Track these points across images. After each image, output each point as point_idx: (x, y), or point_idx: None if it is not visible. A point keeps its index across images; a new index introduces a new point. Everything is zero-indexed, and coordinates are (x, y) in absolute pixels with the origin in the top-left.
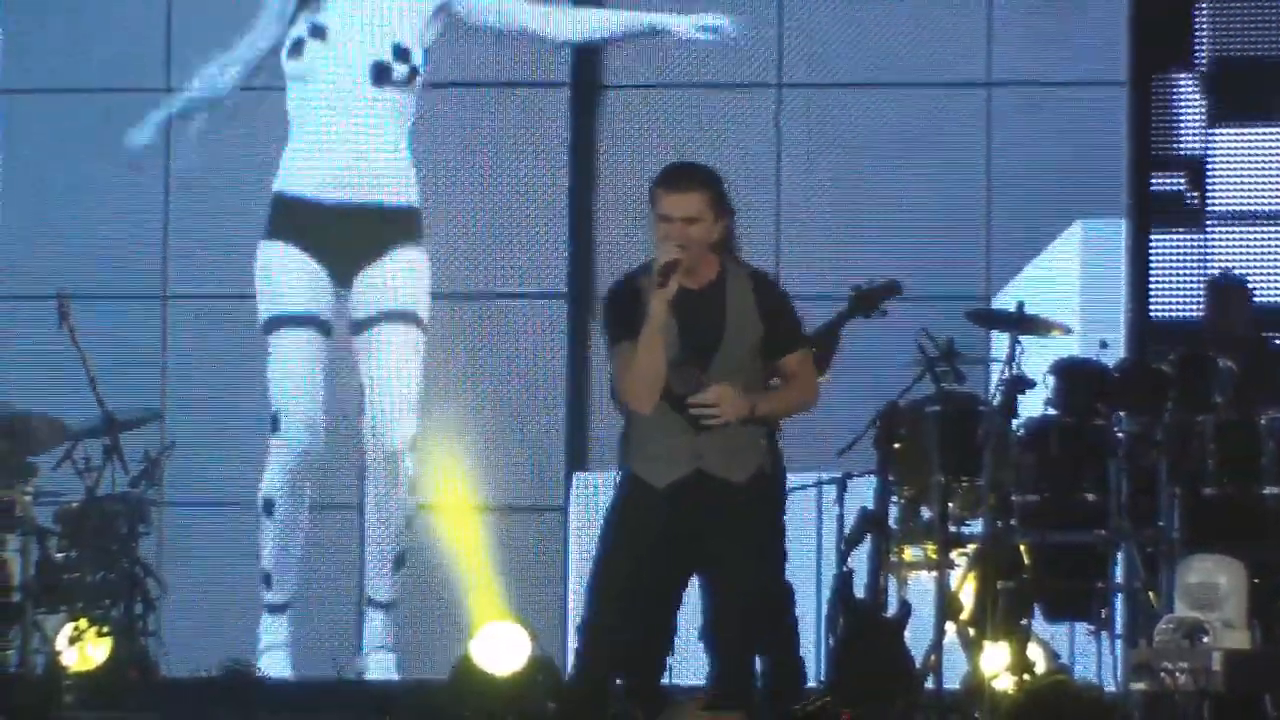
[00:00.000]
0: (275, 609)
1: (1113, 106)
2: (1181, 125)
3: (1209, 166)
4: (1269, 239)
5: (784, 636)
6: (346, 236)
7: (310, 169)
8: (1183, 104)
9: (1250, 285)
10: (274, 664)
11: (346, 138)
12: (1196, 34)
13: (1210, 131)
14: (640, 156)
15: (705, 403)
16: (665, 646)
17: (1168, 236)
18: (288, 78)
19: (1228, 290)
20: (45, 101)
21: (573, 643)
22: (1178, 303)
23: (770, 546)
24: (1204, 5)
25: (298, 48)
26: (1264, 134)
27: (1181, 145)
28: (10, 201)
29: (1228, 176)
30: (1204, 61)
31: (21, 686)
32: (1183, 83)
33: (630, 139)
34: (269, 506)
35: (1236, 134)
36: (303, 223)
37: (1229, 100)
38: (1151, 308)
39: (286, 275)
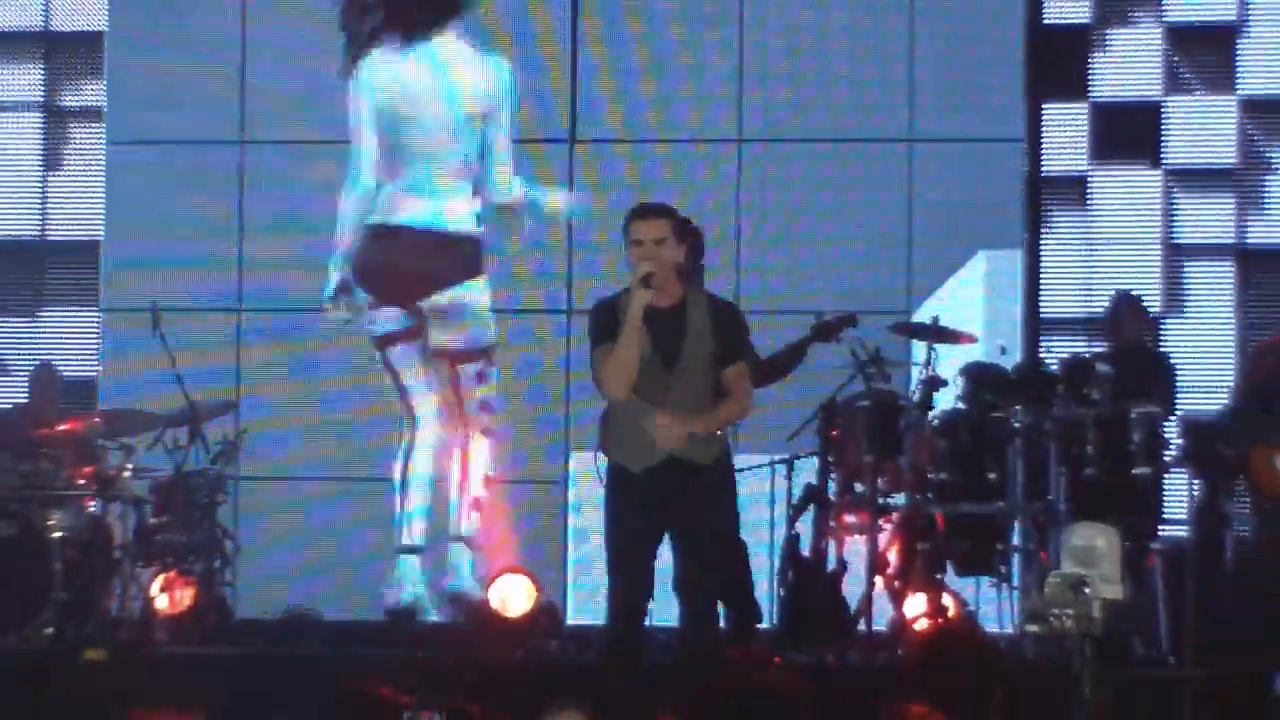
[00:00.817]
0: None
1: (1010, 154)
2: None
3: (1089, 198)
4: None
5: (741, 588)
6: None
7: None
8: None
9: (1143, 300)
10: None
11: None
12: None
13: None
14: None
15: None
16: (647, 598)
17: (1053, 261)
18: None
19: (1123, 306)
20: (142, 148)
21: (573, 592)
22: (1063, 317)
23: (728, 517)
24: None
25: None
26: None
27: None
28: (113, 231)
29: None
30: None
31: (122, 627)
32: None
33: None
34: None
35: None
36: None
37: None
38: (1043, 323)
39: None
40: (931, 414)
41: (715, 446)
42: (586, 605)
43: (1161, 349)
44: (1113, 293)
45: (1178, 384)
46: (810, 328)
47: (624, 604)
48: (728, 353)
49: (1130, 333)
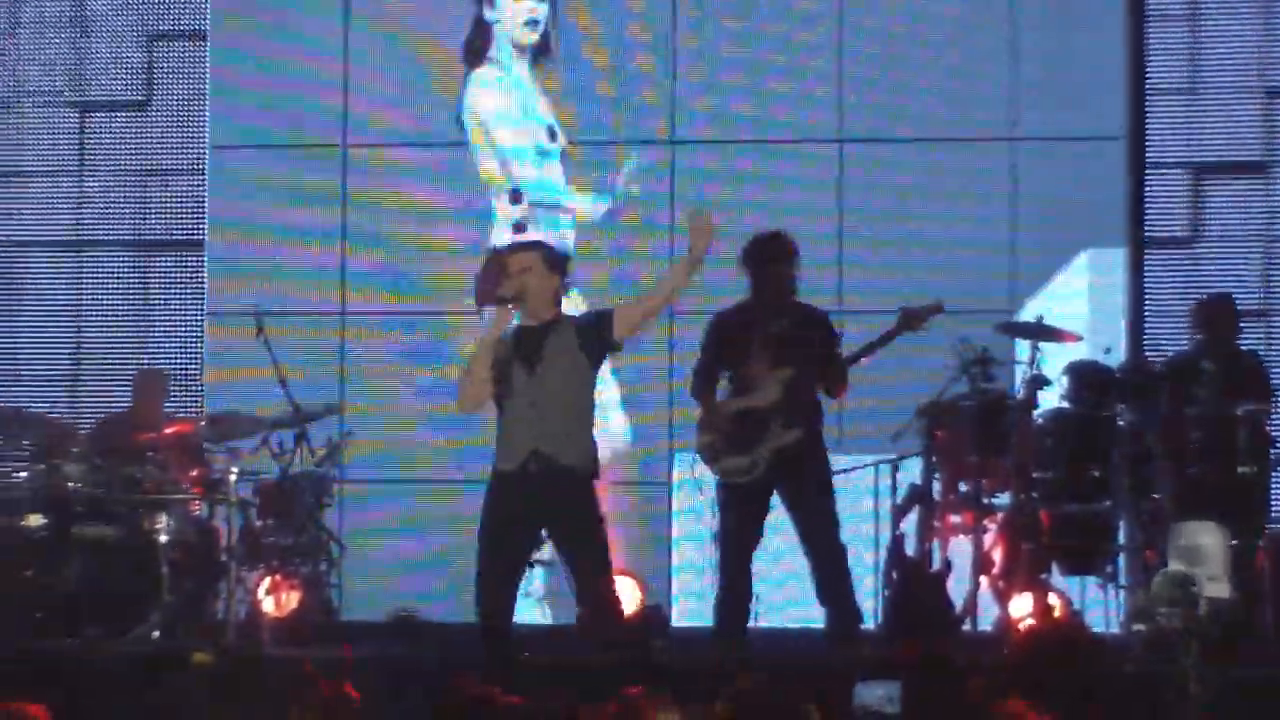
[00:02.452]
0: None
1: (1114, 151)
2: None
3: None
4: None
5: (840, 589)
6: None
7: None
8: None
9: (1235, 302)
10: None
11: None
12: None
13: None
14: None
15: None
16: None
17: (1159, 259)
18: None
19: (1215, 307)
20: (246, 153)
21: (678, 595)
22: (1169, 316)
23: (594, 522)
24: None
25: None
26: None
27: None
28: (219, 239)
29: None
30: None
31: (229, 630)
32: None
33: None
34: None
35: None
36: None
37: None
38: (1146, 320)
39: None
40: (1036, 413)
41: (581, 452)
42: (692, 607)
43: (1249, 348)
44: (1206, 295)
45: (1271, 382)
46: (897, 317)
47: (486, 604)
48: (598, 333)
49: (1224, 332)
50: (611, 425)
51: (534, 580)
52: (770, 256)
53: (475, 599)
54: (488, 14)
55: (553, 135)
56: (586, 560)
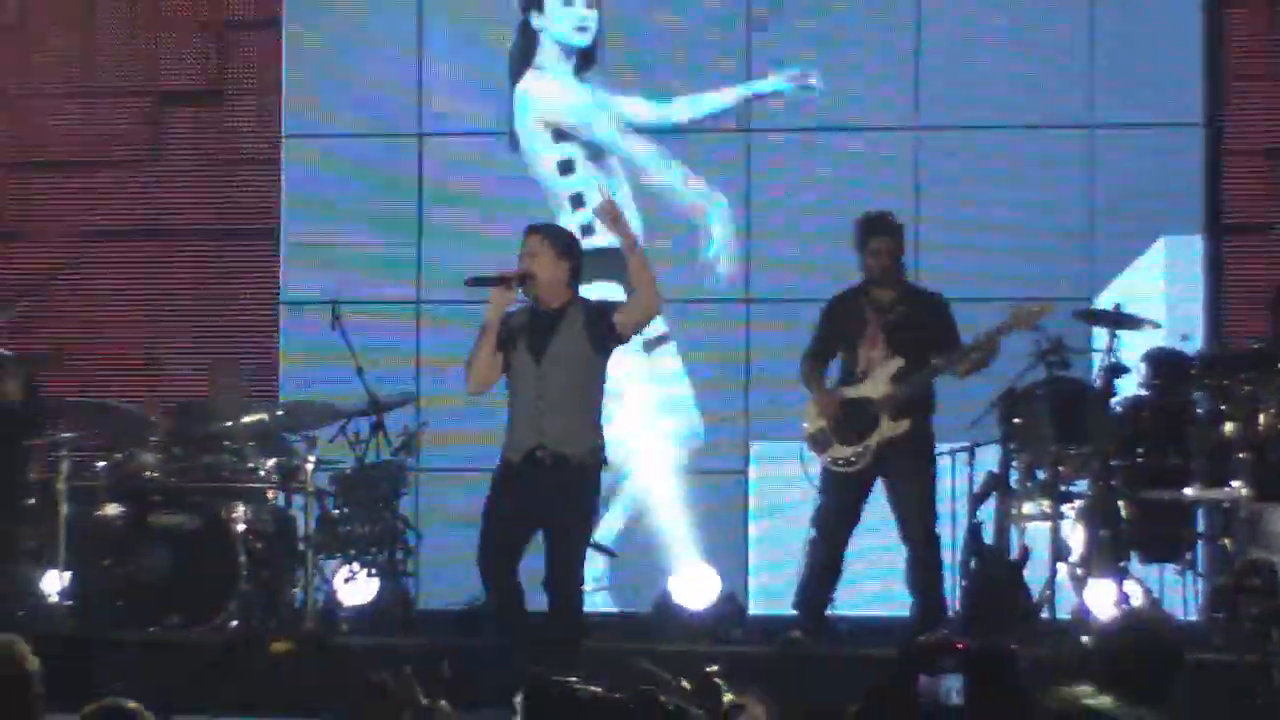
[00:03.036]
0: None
1: (1191, 138)
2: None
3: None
4: None
5: (928, 578)
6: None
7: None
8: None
9: None
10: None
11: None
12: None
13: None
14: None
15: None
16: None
17: (1237, 246)
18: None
19: None
20: (320, 142)
21: (755, 582)
22: (1246, 302)
23: (586, 513)
24: None
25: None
26: None
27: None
28: (294, 228)
29: None
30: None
31: (307, 618)
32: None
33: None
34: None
35: None
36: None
37: None
38: (1224, 306)
39: None
40: (1114, 400)
41: (584, 444)
42: (768, 595)
43: None
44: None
45: None
46: (1008, 314)
47: (487, 578)
48: (605, 328)
49: None
50: (684, 424)
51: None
52: (870, 232)
53: (482, 586)
54: (535, 21)
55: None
56: (563, 552)
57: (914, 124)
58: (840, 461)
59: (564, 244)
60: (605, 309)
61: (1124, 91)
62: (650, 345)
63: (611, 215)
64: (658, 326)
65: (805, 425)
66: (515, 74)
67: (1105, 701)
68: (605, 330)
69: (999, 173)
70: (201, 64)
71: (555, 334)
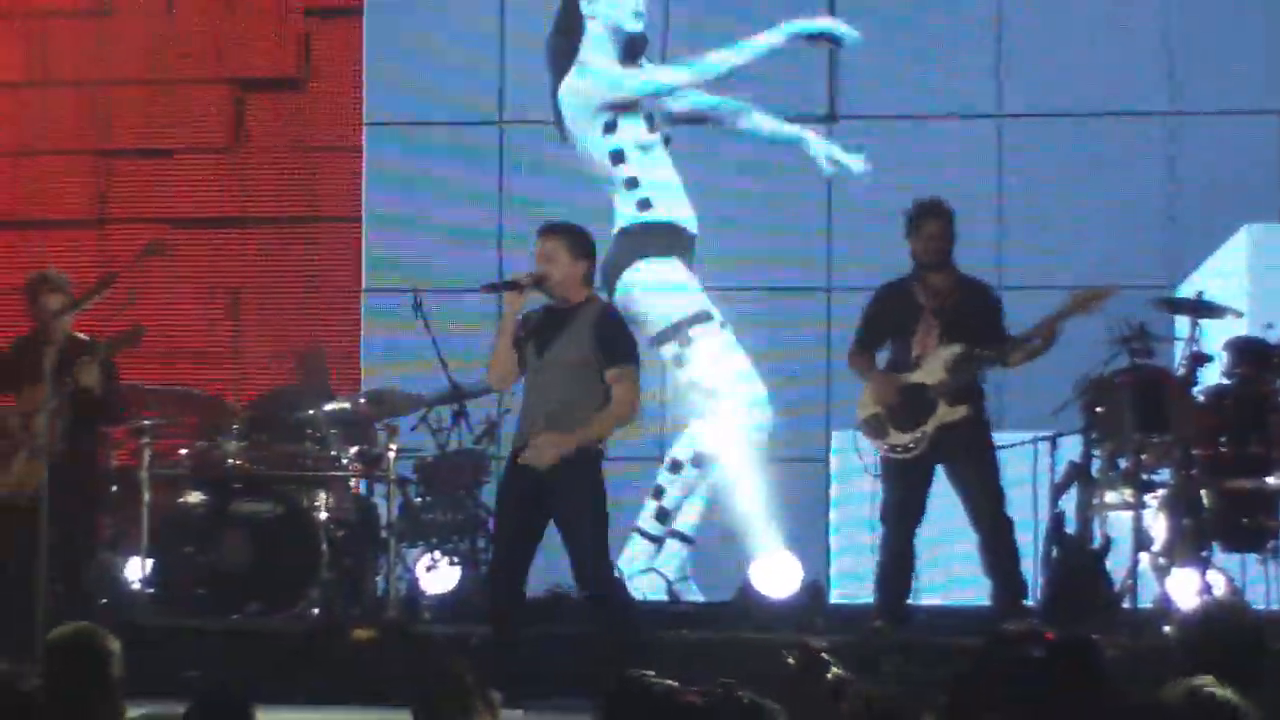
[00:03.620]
0: (655, 539)
1: (1274, 126)
2: None
3: None
4: None
5: (1006, 565)
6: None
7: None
8: None
9: None
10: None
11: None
12: None
13: None
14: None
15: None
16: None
17: None
18: None
19: None
20: (399, 129)
21: (836, 571)
22: None
23: (594, 504)
24: None
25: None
26: None
27: None
28: (376, 215)
29: None
30: None
31: (389, 606)
32: None
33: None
34: (698, 460)
35: None
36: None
37: None
38: None
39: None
40: (1197, 389)
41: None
42: (850, 583)
43: None
44: None
45: None
46: (1069, 298)
47: (494, 571)
48: (607, 358)
49: None
50: (758, 419)
51: (670, 559)
52: (922, 216)
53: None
54: (586, 7)
55: (651, 124)
56: (581, 541)
57: (996, 111)
58: (898, 448)
59: (580, 244)
60: (616, 334)
61: (1206, 79)
62: (685, 327)
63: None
64: (694, 304)
65: (860, 411)
66: (556, 65)
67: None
68: (606, 355)
69: (1081, 160)
70: (283, 51)
71: (562, 332)
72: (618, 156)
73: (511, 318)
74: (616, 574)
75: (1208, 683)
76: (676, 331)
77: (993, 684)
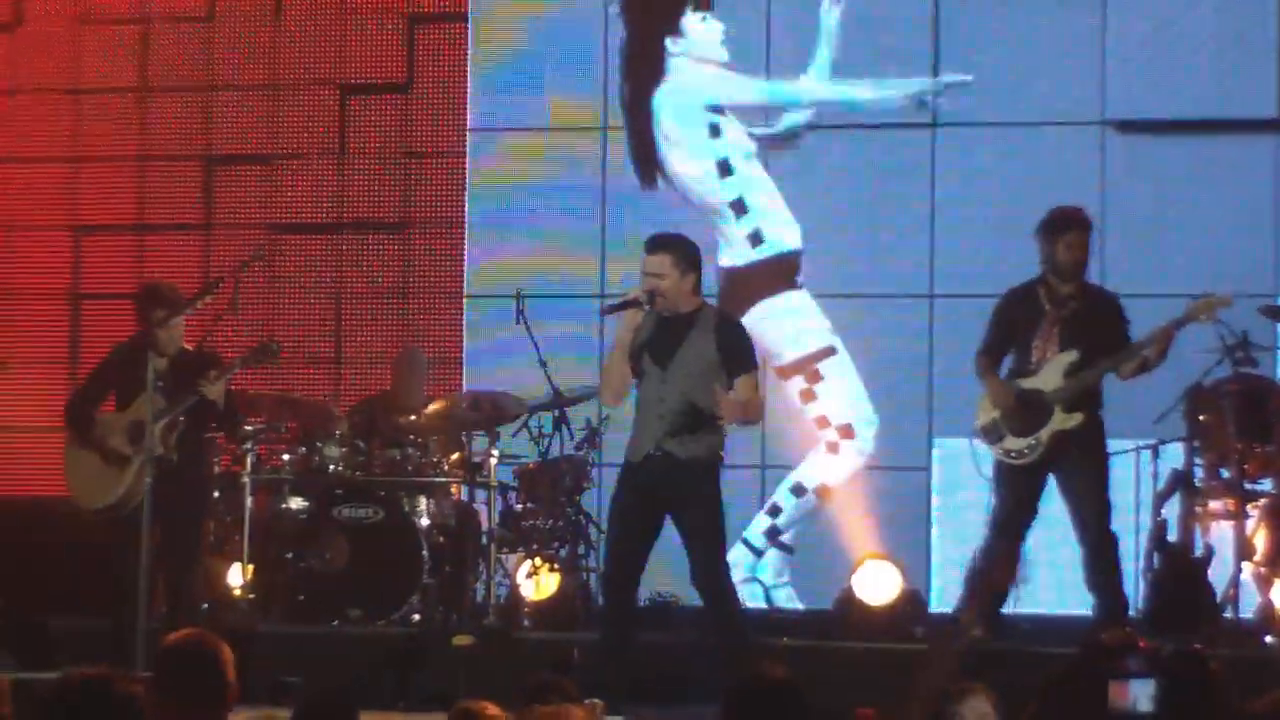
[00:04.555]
0: (758, 552)
1: None
2: None
3: None
4: None
5: (1108, 575)
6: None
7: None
8: None
9: None
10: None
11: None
12: None
13: None
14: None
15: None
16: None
17: None
18: None
19: None
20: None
21: (937, 579)
22: None
23: (710, 511)
24: None
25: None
26: None
27: None
28: (478, 220)
29: None
30: None
31: (489, 613)
32: None
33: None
34: (822, 491)
35: None
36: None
37: None
38: None
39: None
40: None
41: (703, 445)
42: (950, 592)
43: None
44: None
45: None
46: (1185, 307)
47: (610, 578)
48: (733, 363)
49: None
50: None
51: (766, 564)
52: (1067, 226)
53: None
54: (674, 46)
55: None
56: (700, 546)
57: (1099, 119)
58: (1013, 454)
59: (689, 256)
60: (739, 339)
61: None
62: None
63: (726, 405)
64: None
65: (978, 417)
66: (636, 88)
67: None
68: (731, 360)
69: (1185, 169)
70: (386, 56)
71: (684, 342)
72: (725, 168)
73: (628, 334)
74: None
75: None
76: (804, 366)
77: (1085, 693)
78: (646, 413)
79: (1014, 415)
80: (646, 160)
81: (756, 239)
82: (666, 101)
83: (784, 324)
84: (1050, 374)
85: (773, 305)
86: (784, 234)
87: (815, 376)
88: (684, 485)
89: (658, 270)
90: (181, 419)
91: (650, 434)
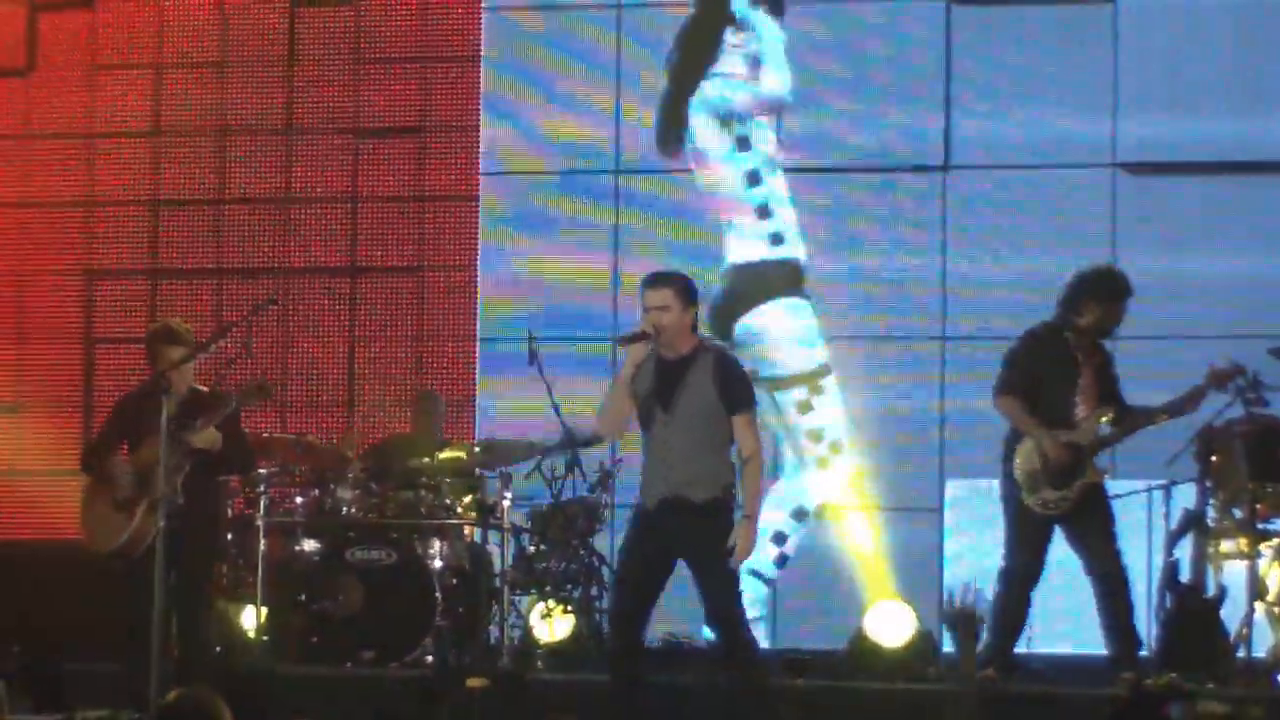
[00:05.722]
0: (769, 583)
1: None
2: None
3: None
4: None
5: (1120, 616)
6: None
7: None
8: None
9: None
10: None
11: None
12: None
13: None
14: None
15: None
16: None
17: None
18: None
19: None
20: (514, 178)
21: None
22: None
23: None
24: None
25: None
26: None
27: None
28: (491, 264)
29: None
30: None
31: (503, 655)
32: None
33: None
34: (822, 511)
35: None
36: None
37: None
38: None
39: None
40: None
41: (715, 486)
42: None
43: None
44: None
45: None
46: (1204, 377)
47: (616, 619)
48: (730, 404)
49: None
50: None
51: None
52: (1123, 294)
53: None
54: (732, 38)
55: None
56: (717, 583)
57: (1110, 161)
58: (1050, 504)
59: (690, 293)
60: (737, 379)
61: None
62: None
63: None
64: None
65: (1019, 463)
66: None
67: None
68: (730, 401)
69: (1197, 213)
70: (400, 100)
71: (684, 385)
72: (754, 178)
73: (631, 367)
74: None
75: None
76: (807, 379)
77: None
78: (655, 459)
79: (1056, 468)
80: (675, 124)
81: (777, 240)
82: (698, 107)
83: (790, 323)
84: (1088, 428)
85: (782, 304)
86: (799, 246)
87: (817, 390)
88: (698, 526)
89: (661, 304)
90: (185, 464)
91: (661, 479)
